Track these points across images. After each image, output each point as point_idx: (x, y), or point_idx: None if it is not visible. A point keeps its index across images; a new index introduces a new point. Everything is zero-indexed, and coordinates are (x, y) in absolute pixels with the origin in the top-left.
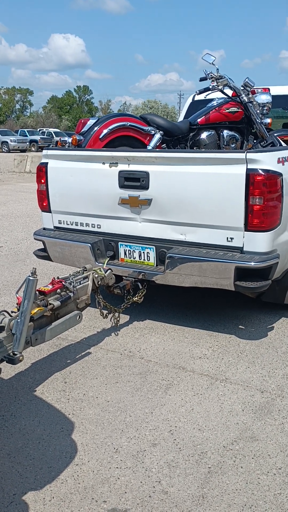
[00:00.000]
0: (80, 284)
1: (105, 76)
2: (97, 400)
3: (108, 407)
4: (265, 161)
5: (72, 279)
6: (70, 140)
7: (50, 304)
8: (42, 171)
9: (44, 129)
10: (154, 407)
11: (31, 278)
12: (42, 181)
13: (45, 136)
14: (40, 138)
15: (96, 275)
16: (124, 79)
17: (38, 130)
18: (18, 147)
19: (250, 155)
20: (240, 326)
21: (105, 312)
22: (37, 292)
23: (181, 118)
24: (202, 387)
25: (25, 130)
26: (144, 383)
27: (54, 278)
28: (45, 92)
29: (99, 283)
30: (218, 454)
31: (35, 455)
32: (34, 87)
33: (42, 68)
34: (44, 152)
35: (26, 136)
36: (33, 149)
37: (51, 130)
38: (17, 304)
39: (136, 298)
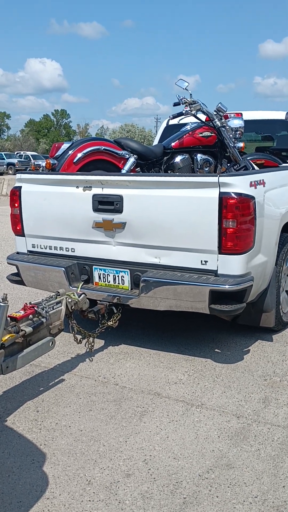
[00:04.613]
0: (53, 309)
1: (82, 100)
2: (70, 430)
3: (81, 437)
4: (238, 184)
5: (44, 304)
6: (44, 164)
7: (21, 330)
8: (15, 195)
9: (22, 152)
10: (129, 435)
11: (1, 304)
12: (16, 205)
13: (22, 159)
14: (18, 161)
15: (70, 300)
16: (101, 103)
17: (15, 153)
18: None
19: (223, 179)
20: (216, 350)
21: (79, 337)
22: (8, 318)
23: (155, 142)
24: (177, 414)
25: (2, 153)
26: (119, 410)
27: (26, 303)
28: (22, 116)
29: (72, 308)
30: (194, 483)
31: (4, 489)
32: (11, 111)
33: (19, 92)
34: (18, 176)
35: (3, 159)
36: (10, 172)
37: (29, 153)
38: None
39: (111, 323)
